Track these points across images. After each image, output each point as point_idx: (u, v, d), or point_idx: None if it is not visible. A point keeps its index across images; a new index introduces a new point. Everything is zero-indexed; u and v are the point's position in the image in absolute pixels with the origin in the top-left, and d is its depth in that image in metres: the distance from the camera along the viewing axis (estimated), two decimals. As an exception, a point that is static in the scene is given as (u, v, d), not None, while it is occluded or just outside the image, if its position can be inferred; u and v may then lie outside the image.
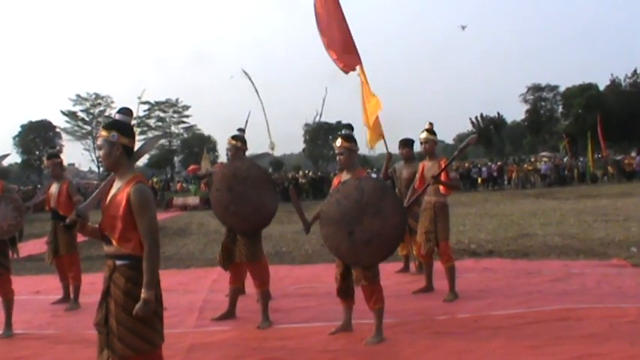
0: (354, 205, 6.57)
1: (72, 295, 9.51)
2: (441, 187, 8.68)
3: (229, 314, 8.12)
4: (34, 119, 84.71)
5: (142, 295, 4.23)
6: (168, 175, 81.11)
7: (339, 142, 7.12)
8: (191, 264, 13.56)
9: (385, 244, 6.59)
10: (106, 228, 4.47)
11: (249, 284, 8.33)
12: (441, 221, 8.83)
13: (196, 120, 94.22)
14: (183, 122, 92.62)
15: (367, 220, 6.49)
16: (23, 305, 9.29)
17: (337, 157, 7.20)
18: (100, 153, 4.53)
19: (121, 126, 4.52)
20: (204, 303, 9.06)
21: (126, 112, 4.65)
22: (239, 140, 8.49)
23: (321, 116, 75.27)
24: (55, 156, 10.24)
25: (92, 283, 9.94)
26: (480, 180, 46.33)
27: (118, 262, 4.39)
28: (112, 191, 4.52)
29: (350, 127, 7.45)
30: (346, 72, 10.38)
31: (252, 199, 7.68)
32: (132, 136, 4.58)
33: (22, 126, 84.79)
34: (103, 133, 4.48)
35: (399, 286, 9.57)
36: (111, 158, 4.46)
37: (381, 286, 6.93)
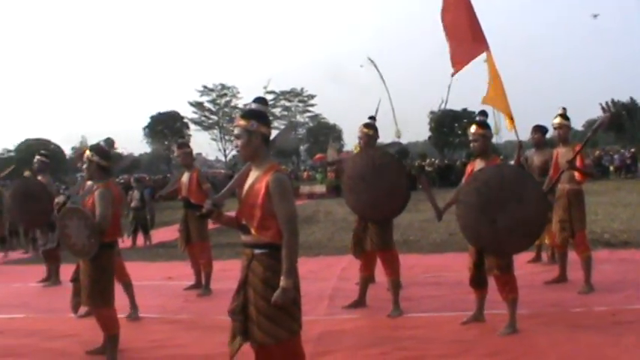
0: (495, 192, 6.43)
1: (203, 282, 9.75)
2: (576, 174, 8.46)
3: (360, 302, 8.16)
4: (162, 110, 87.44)
5: (281, 284, 4.25)
6: (295, 164, 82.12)
7: (473, 128, 7.01)
8: (320, 252, 13.67)
9: (529, 231, 6.46)
10: (245, 216, 4.50)
11: (379, 272, 8.31)
12: (576, 209, 8.60)
13: (321, 109, 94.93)
14: (309, 111, 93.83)
15: (510, 207, 6.35)
16: (157, 290, 9.61)
17: (471, 144, 7.09)
18: (237, 142, 4.50)
19: (259, 115, 4.51)
20: (334, 291, 9.14)
21: (261, 101, 4.66)
22: (371, 128, 8.39)
23: (446, 104, 74.50)
24: (186, 145, 10.49)
25: (223, 270, 10.17)
26: (612, 168, 44.74)
27: (257, 251, 4.42)
28: (250, 180, 4.54)
29: (484, 113, 7.30)
30: (455, 71, 9.69)
31: (384, 187, 7.63)
32: (269, 125, 4.58)
33: (152, 117, 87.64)
34: (242, 122, 4.45)
35: (531, 276, 9.36)
36: (250, 147, 4.44)
37: (514, 275, 6.80)
